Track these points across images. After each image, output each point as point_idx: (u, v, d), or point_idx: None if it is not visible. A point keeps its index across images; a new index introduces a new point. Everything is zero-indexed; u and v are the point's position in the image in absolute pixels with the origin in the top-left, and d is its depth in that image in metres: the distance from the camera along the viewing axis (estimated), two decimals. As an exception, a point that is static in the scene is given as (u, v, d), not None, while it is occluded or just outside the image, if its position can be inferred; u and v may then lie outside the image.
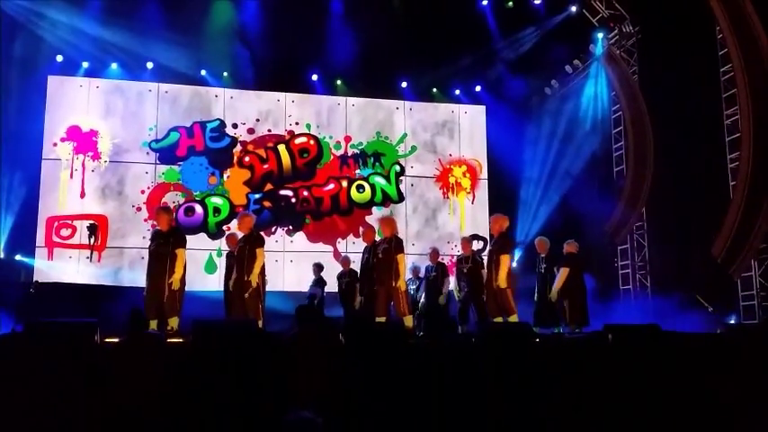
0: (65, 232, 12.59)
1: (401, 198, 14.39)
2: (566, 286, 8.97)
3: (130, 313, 5.44)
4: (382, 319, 8.05)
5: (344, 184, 14.10)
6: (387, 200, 14.30)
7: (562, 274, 8.99)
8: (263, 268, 8.20)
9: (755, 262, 10.70)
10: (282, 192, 13.77)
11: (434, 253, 10.57)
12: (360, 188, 14.18)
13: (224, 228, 12.97)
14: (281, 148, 13.89)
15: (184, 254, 7.91)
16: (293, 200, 13.78)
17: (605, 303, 11.67)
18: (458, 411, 5.41)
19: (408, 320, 8.11)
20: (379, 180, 14.29)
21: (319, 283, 10.77)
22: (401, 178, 14.43)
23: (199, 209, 13.29)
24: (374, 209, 14.15)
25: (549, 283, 9.19)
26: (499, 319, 8.23)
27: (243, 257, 8.17)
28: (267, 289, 8.94)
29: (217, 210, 13.31)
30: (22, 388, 4.81)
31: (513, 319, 8.21)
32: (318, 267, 10.99)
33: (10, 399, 4.80)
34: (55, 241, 12.52)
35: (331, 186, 14.04)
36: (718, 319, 10.38)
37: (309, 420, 2.97)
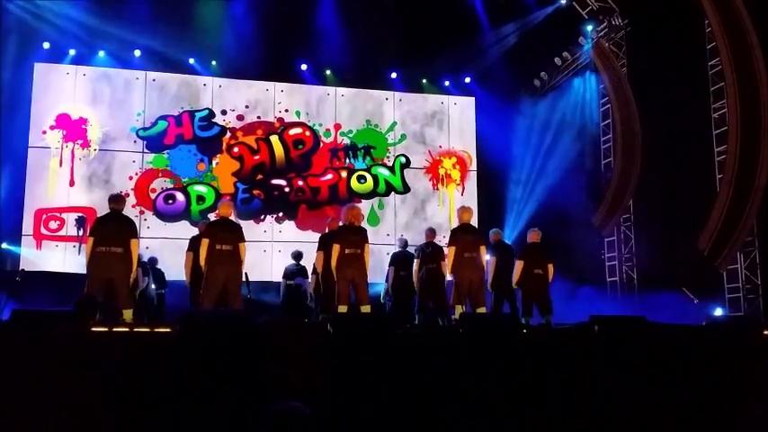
0: (53, 225, 12.53)
1: (406, 189, 14.42)
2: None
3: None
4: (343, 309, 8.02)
5: (344, 174, 14.09)
6: (391, 191, 14.33)
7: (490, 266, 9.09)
8: (207, 256, 7.68)
9: (741, 255, 10.79)
10: (275, 181, 13.73)
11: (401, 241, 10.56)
12: (361, 179, 14.18)
13: (209, 216, 12.90)
14: (274, 139, 13.84)
15: (137, 246, 7.61)
16: (287, 189, 13.75)
17: (592, 294, 11.75)
18: (445, 401, 5.43)
19: (342, 309, 8.01)
20: (383, 171, 14.30)
21: (302, 272, 10.61)
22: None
23: (180, 196, 13.23)
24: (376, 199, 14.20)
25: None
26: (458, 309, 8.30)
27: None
28: (254, 279, 8.85)
29: (201, 198, 13.26)
30: (7, 377, 4.78)
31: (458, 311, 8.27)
32: (299, 256, 10.73)
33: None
34: (43, 233, 12.47)
35: (329, 176, 14.02)
36: (703, 311, 10.46)
37: (298, 410, 2.95)
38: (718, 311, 10.69)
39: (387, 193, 14.30)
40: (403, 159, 14.50)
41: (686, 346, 6.21)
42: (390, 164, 14.47)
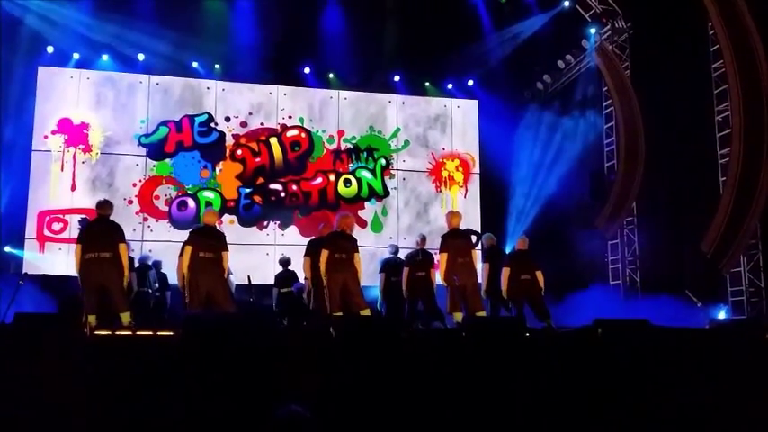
0: (56, 226, 12.56)
1: (386, 193, 14.35)
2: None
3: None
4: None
5: (332, 178, 14.09)
6: (373, 195, 14.28)
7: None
8: (189, 263, 7.68)
9: (744, 257, 10.76)
10: (272, 186, 13.75)
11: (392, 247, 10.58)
12: (347, 182, 14.16)
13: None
14: (273, 141, 13.87)
15: (126, 250, 7.64)
16: (282, 194, 13.76)
17: (596, 297, 11.72)
18: (448, 405, 5.42)
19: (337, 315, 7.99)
20: (366, 174, 14.28)
21: (294, 278, 10.40)
22: (391, 172, 14.41)
23: (191, 203, 13.27)
24: (366, 204, 14.17)
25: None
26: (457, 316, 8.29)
27: None
28: (257, 282, 8.86)
29: (209, 204, 13.28)
30: (10, 380, 4.79)
31: (456, 317, 8.26)
32: (287, 262, 10.66)
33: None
34: (46, 235, 12.49)
35: (319, 180, 14.02)
36: (706, 314, 10.44)
37: (299, 415, 2.96)
38: (722, 314, 10.66)
39: (369, 198, 14.24)
40: (383, 162, 14.44)
41: (689, 350, 6.20)
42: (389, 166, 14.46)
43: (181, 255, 8.32)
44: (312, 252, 8.60)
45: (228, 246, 7.98)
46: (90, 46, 12.97)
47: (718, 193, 10.88)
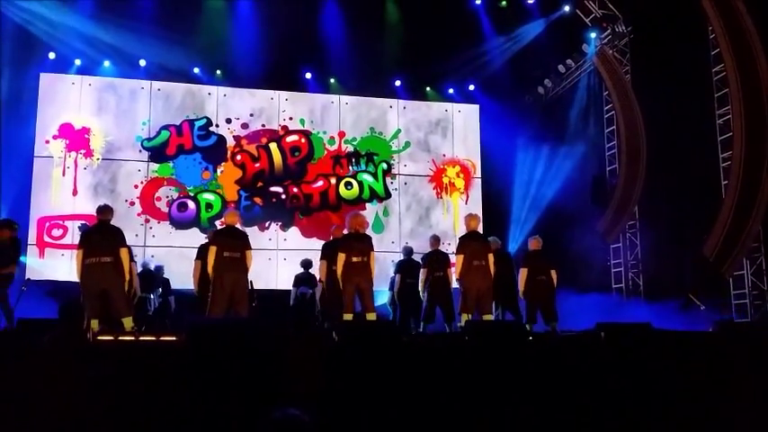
0: (56, 232, 12.56)
1: (388, 195, 14.40)
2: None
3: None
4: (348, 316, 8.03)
5: (333, 181, 14.12)
6: (374, 197, 14.31)
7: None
8: (214, 263, 7.74)
9: (747, 261, 10.75)
10: (273, 188, 13.78)
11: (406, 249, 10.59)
12: (348, 185, 14.19)
13: (216, 222, 12.85)
14: (273, 146, 13.89)
15: (128, 254, 7.60)
16: (283, 196, 13.79)
17: (598, 301, 11.70)
18: (451, 410, 5.41)
19: (347, 317, 8.01)
20: (367, 177, 14.31)
21: (311, 280, 10.50)
22: (393, 174, 14.45)
23: (191, 204, 13.29)
24: (367, 205, 14.19)
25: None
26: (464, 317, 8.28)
27: None
28: (259, 287, 8.89)
29: (209, 205, 13.32)
30: (14, 387, 4.79)
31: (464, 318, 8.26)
32: (308, 264, 10.64)
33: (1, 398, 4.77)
34: (46, 242, 12.49)
35: (320, 183, 14.05)
36: (710, 318, 10.41)
37: (296, 418, 2.95)
38: (724, 312, 10.64)
39: (370, 200, 14.28)
40: (385, 166, 14.45)
41: (692, 353, 6.18)
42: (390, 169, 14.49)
43: (197, 258, 8.32)
44: (327, 255, 8.62)
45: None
46: (91, 52, 12.98)
47: (721, 197, 10.88)
